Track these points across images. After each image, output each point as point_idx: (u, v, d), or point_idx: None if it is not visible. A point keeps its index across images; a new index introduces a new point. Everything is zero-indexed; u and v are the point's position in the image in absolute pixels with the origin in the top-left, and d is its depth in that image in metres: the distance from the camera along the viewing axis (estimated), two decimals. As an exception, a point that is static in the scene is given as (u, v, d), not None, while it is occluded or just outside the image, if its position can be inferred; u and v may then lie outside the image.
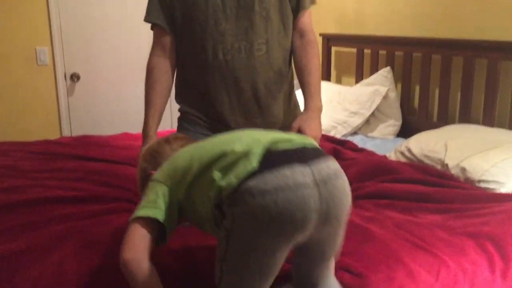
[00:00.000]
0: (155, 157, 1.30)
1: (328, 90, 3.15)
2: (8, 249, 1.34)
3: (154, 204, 1.11)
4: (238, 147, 1.04)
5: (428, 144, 2.20)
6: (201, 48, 1.69)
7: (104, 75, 3.54)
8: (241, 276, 1.01)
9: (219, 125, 1.76)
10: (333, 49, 3.51)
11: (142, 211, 1.11)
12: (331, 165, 1.05)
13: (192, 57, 1.73)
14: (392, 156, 2.34)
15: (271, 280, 1.04)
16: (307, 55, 1.74)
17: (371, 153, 2.35)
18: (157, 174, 1.17)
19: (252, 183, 0.96)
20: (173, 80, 1.81)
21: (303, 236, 0.99)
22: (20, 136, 3.16)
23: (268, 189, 0.95)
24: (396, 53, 2.94)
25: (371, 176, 2.00)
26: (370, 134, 2.85)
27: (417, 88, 2.85)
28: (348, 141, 2.55)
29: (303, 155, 1.02)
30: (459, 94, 2.60)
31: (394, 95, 2.89)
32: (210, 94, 1.74)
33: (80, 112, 3.53)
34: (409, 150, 2.25)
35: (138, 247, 1.07)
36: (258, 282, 1.01)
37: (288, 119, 1.82)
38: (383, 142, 2.70)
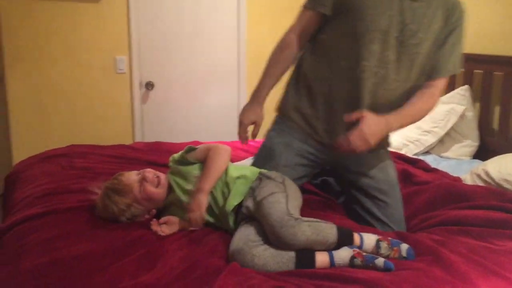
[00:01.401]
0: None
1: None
2: (88, 249, 1.39)
3: None
4: None
5: (508, 167, 2.08)
6: (340, 55, 1.76)
7: (177, 84, 3.65)
8: None
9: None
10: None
11: None
12: None
13: (328, 58, 1.80)
14: (468, 178, 2.22)
15: None
16: (424, 93, 1.70)
17: (444, 175, 2.24)
18: None
19: None
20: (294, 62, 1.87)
21: None
22: (95, 141, 3.32)
23: None
24: (475, 71, 2.82)
25: (444, 204, 1.89)
26: (444, 154, 2.73)
27: (497, 109, 2.71)
28: (420, 160, 2.45)
29: None
30: (544, 116, 2.44)
31: (471, 115, 2.76)
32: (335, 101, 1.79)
33: (153, 119, 3.66)
34: (487, 173, 2.13)
35: None
36: None
37: (383, 141, 1.82)
38: (458, 163, 2.58)
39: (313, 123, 1.81)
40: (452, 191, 1.96)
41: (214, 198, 1.60)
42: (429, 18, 1.62)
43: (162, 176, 1.66)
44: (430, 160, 2.61)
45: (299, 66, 1.86)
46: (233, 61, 3.81)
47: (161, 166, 2.25)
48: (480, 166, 2.21)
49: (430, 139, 2.74)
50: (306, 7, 1.76)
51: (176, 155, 1.72)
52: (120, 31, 3.46)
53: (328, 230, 1.42)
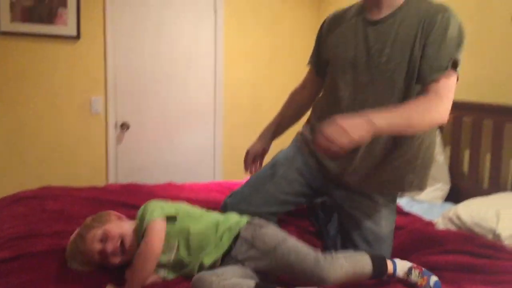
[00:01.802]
0: None
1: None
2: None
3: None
4: None
5: (479, 212, 2.12)
6: (330, 89, 1.88)
7: (153, 125, 3.65)
8: None
9: None
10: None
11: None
12: None
13: (326, 93, 1.93)
14: (440, 222, 2.25)
15: None
16: (419, 99, 1.58)
17: (417, 218, 2.27)
18: None
19: None
20: (304, 111, 2.06)
21: None
22: (68, 182, 3.26)
23: None
24: (444, 116, 2.91)
25: (416, 249, 1.91)
26: (417, 197, 2.77)
27: (467, 153, 2.79)
28: (393, 204, 2.48)
29: None
30: (511, 161, 2.52)
31: (442, 159, 2.83)
32: None
33: (127, 160, 3.63)
34: (458, 217, 2.17)
35: None
36: None
37: (388, 190, 1.84)
38: (431, 207, 2.62)
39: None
40: (424, 237, 2.00)
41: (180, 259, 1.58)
42: (394, 33, 1.63)
43: (128, 237, 1.59)
44: (404, 203, 2.65)
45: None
46: (210, 102, 3.84)
47: (134, 208, 2.22)
48: (452, 210, 2.25)
49: (403, 182, 2.79)
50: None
51: (139, 214, 1.66)
52: (96, 72, 3.47)
53: (363, 260, 1.46)
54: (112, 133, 3.56)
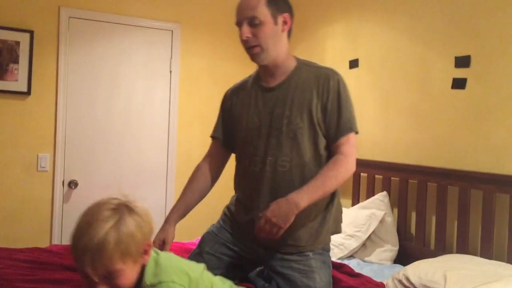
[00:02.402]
0: None
1: (325, 211, 3.15)
2: None
3: None
4: None
5: (427, 274, 2.15)
6: (242, 158, 1.94)
7: (103, 184, 3.56)
8: None
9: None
10: (330, 170, 3.58)
11: None
12: None
13: (238, 163, 1.98)
14: (390, 284, 2.27)
15: None
16: (327, 165, 1.76)
17: (369, 280, 2.28)
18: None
19: None
20: (211, 185, 2.02)
21: None
22: (9, 241, 3.09)
23: None
24: (392, 178, 3.00)
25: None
26: (367, 259, 2.79)
27: (414, 214, 2.86)
28: (344, 265, 2.49)
29: None
30: (456, 223, 2.60)
31: (390, 220, 2.89)
32: (247, 198, 1.91)
33: (74, 219, 3.48)
34: (407, 279, 2.19)
35: None
36: None
37: (313, 244, 1.84)
38: (380, 268, 2.64)
39: (238, 215, 1.95)
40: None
41: None
42: (291, 97, 1.79)
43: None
44: (354, 264, 2.66)
45: None
46: (163, 162, 3.81)
47: (76, 271, 2.12)
48: (401, 271, 2.27)
49: (353, 243, 2.81)
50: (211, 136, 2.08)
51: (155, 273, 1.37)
52: (45, 128, 3.39)
53: None
54: (59, 191, 3.44)
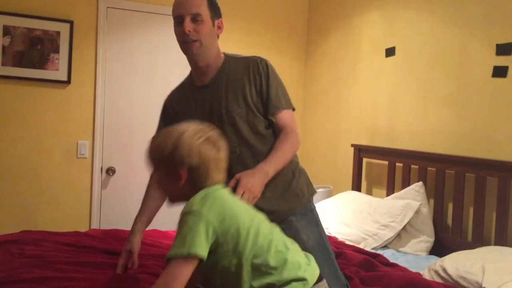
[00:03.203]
0: (192, 151, 1.35)
1: (359, 200, 3.13)
2: None
3: (203, 243, 1.23)
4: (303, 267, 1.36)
5: (465, 265, 2.12)
6: None
7: (139, 171, 3.63)
8: None
9: None
10: (364, 160, 3.55)
11: (193, 249, 1.22)
12: None
13: None
14: (426, 274, 2.25)
15: None
16: (279, 138, 1.89)
17: (404, 270, 2.27)
18: (205, 210, 1.26)
19: None
20: None
21: None
22: (50, 225, 3.21)
23: None
24: (428, 168, 2.95)
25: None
26: (401, 249, 2.77)
27: (451, 205, 2.81)
28: (379, 255, 2.48)
29: None
30: (494, 214, 2.55)
31: (426, 211, 2.85)
32: None
33: (112, 205, 3.58)
34: (444, 270, 2.16)
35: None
36: None
37: (292, 208, 1.90)
38: (416, 259, 2.61)
39: None
40: (414, 283, 2.01)
41: None
42: (225, 89, 1.91)
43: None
44: (388, 255, 2.64)
45: None
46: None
47: (117, 255, 2.19)
48: (438, 262, 2.25)
49: (388, 234, 2.79)
50: None
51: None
52: (85, 116, 3.48)
53: None
54: (98, 177, 3.53)
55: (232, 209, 1.32)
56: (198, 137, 1.38)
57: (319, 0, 4.16)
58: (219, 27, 1.97)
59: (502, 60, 2.58)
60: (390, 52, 3.35)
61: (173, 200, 1.46)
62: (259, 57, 1.96)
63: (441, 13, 2.95)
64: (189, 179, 1.37)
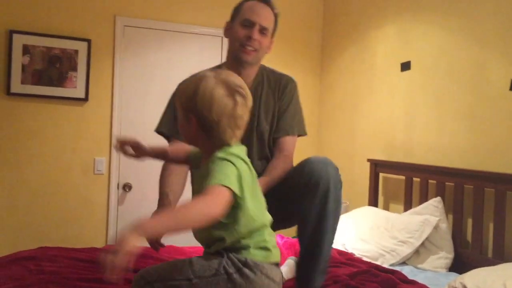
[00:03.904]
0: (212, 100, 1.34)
1: (376, 216, 3.10)
2: None
3: (237, 182, 1.28)
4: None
5: (486, 282, 2.07)
6: None
7: (155, 187, 3.63)
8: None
9: None
10: (381, 175, 3.52)
11: (233, 184, 1.26)
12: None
13: None
14: (445, 292, 2.20)
15: None
16: (278, 161, 1.98)
17: (423, 287, 2.22)
18: (237, 161, 1.32)
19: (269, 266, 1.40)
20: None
21: None
22: (67, 241, 3.22)
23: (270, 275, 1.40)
24: (446, 183, 2.91)
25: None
26: (420, 266, 2.72)
27: (470, 221, 2.76)
28: (397, 271, 2.43)
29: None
30: (515, 230, 2.50)
31: (445, 226, 2.80)
32: None
33: (128, 221, 3.59)
34: (464, 287, 2.12)
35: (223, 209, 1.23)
36: None
37: None
38: (435, 276, 2.56)
39: None
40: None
41: None
42: (259, 101, 2.00)
43: None
44: (407, 271, 2.59)
45: None
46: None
47: (131, 271, 2.19)
48: (458, 279, 2.20)
49: (406, 250, 2.75)
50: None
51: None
52: (102, 133, 3.52)
53: None
54: (115, 193, 3.56)
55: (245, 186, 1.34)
56: (218, 89, 1.36)
57: (333, 15, 4.18)
58: (269, 47, 2.06)
59: (520, 73, 2.55)
60: (405, 66, 3.34)
61: (189, 142, 1.50)
62: (291, 78, 2.09)
63: (456, 26, 2.94)
64: (202, 128, 1.38)
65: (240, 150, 1.41)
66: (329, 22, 4.23)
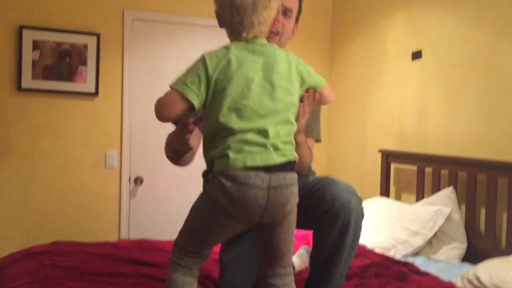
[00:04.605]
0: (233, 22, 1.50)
1: (388, 207, 3.08)
2: None
3: (196, 88, 1.46)
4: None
5: (499, 273, 2.05)
6: None
7: (167, 180, 3.67)
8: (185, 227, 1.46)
9: None
10: (393, 165, 3.50)
11: (185, 89, 1.46)
12: (286, 177, 1.36)
13: None
14: (459, 283, 2.19)
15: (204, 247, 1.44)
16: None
17: (436, 279, 2.21)
18: (209, 57, 1.47)
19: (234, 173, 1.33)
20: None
21: (245, 225, 1.38)
22: (80, 236, 3.26)
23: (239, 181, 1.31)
24: (459, 173, 2.88)
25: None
26: (433, 257, 2.70)
27: (483, 211, 2.74)
28: (409, 263, 2.42)
29: (271, 167, 1.34)
30: (529, 220, 2.47)
31: (458, 217, 2.78)
32: None
33: (140, 214, 3.62)
34: (478, 279, 2.10)
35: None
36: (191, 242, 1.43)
37: None
38: (448, 267, 2.55)
39: None
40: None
41: None
42: None
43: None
44: (420, 262, 2.58)
45: None
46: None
47: (145, 265, 2.21)
48: (471, 271, 2.19)
49: (418, 241, 2.73)
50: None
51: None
52: (112, 127, 3.54)
53: None
54: (126, 187, 3.58)
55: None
56: None
57: (343, 4, 4.13)
58: (294, 33, 1.97)
59: (534, 61, 2.50)
60: (416, 55, 3.29)
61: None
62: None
63: (468, 13, 2.89)
64: (221, 25, 1.57)
65: (241, 45, 1.48)
66: (338, 10, 4.19)
